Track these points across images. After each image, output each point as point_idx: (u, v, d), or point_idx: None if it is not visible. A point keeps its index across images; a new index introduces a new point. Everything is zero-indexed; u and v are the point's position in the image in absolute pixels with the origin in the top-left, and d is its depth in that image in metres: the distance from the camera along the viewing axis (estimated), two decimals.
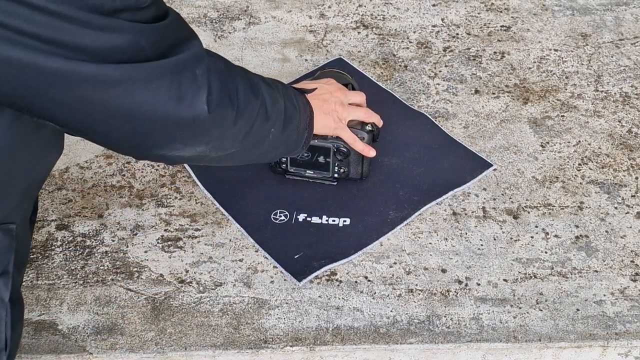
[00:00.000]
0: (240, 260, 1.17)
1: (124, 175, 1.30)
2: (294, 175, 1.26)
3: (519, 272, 1.16)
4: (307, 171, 1.24)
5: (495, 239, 1.21)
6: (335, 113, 1.16)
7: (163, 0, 0.84)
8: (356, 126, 1.20)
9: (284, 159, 1.24)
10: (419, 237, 1.21)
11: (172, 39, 0.82)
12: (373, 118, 1.22)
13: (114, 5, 0.74)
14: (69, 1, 0.71)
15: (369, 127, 1.21)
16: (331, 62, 1.50)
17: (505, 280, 1.15)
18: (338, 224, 1.20)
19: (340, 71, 1.33)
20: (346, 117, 1.18)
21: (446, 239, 1.21)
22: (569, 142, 1.37)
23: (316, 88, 1.15)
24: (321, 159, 1.22)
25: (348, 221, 1.21)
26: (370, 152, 1.20)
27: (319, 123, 1.13)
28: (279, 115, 1.01)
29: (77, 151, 1.32)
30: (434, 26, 1.61)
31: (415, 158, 1.30)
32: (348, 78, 1.31)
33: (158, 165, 1.31)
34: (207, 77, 0.85)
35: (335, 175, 1.24)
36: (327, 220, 1.21)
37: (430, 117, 1.39)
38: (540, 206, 1.26)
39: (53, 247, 1.18)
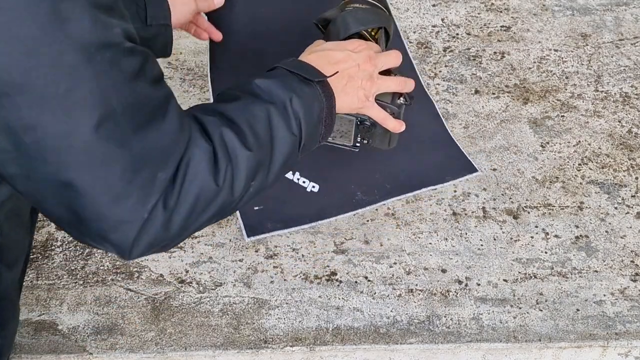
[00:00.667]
0: (240, 260, 1.17)
1: None
2: None
3: (519, 272, 1.16)
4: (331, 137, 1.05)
5: (495, 239, 1.21)
6: (362, 91, 0.96)
7: (159, 67, 0.76)
8: (385, 99, 1.01)
9: None
10: (419, 237, 1.21)
11: (150, 115, 0.72)
12: (407, 87, 1.03)
13: (100, 39, 0.68)
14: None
15: (401, 100, 1.02)
16: None
17: (505, 280, 1.15)
18: (307, 187, 1.22)
19: (373, 1, 1.07)
20: (375, 92, 0.99)
21: (446, 239, 1.21)
22: (569, 142, 1.36)
23: (337, 72, 0.94)
24: (343, 128, 1.03)
25: (316, 188, 1.22)
26: (402, 128, 1.03)
27: (340, 104, 0.94)
28: (259, 173, 0.83)
29: None
30: (434, 26, 1.61)
31: (405, 144, 1.20)
32: (382, 15, 1.07)
33: None
34: (166, 184, 0.73)
35: (357, 144, 1.05)
36: (298, 179, 1.21)
37: (437, 106, 1.39)
38: (540, 206, 1.26)
39: (53, 247, 1.18)
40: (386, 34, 1.07)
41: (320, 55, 0.95)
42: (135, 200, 0.71)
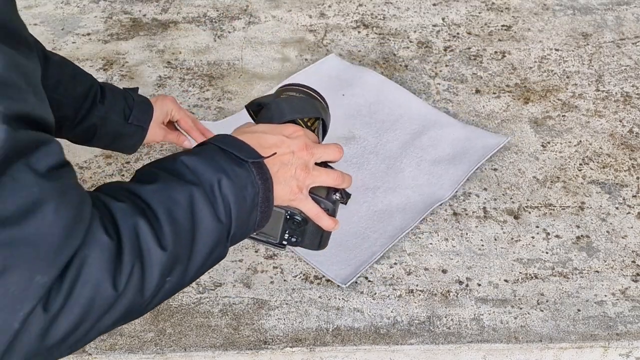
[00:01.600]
0: (240, 261, 1.17)
1: (123, 175, 1.29)
2: None
3: (520, 273, 1.16)
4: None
5: (496, 239, 1.20)
6: (295, 181, 0.85)
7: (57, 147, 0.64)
8: (320, 193, 0.89)
9: None
10: (420, 238, 1.20)
11: (25, 199, 0.60)
12: (344, 183, 0.90)
13: None
14: None
15: (336, 196, 0.90)
16: (325, 60, 1.49)
17: (506, 280, 1.15)
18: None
19: (309, 90, 0.99)
20: (309, 184, 0.87)
21: (447, 239, 1.20)
22: (570, 142, 1.36)
23: (275, 153, 0.82)
24: (269, 222, 0.86)
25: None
26: (336, 226, 0.91)
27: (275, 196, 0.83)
28: (175, 272, 0.71)
29: (77, 151, 1.32)
30: (434, 26, 1.61)
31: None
32: (318, 105, 0.98)
33: None
34: (47, 288, 0.60)
35: (284, 242, 0.92)
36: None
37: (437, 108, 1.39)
38: (541, 206, 1.25)
39: None
40: (323, 127, 0.98)
41: (253, 137, 0.83)
42: (3, 309, 0.59)
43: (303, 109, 0.96)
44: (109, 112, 1.14)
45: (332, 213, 0.90)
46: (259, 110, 0.97)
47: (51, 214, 0.61)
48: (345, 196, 0.92)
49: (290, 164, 0.85)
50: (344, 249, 1.17)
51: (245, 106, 1.00)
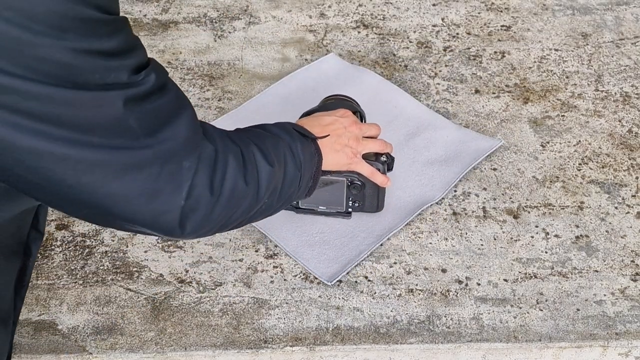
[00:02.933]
0: (240, 260, 1.17)
1: None
2: (306, 211, 1.20)
3: (519, 272, 1.16)
4: (320, 207, 1.19)
5: (495, 239, 1.21)
6: (349, 149, 1.09)
7: (163, 69, 0.79)
8: (370, 157, 1.14)
9: None
10: (419, 237, 1.21)
11: (165, 119, 0.76)
12: (388, 149, 1.16)
13: (104, 80, 0.70)
14: (49, 76, 0.67)
15: (383, 158, 1.15)
16: (324, 60, 1.50)
17: (505, 280, 1.15)
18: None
19: (347, 97, 1.27)
20: (361, 150, 1.12)
21: (446, 238, 1.20)
22: (569, 142, 1.36)
23: (328, 135, 1.05)
24: (334, 193, 1.16)
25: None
26: (388, 183, 1.16)
27: (331, 161, 1.06)
28: (274, 191, 0.92)
29: None
30: (434, 26, 1.61)
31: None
32: (355, 105, 1.25)
33: None
34: (194, 170, 0.78)
35: (350, 209, 1.19)
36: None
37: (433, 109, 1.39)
38: (540, 206, 1.26)
39: (53, 247, 1.18)
40: (361, 118, 1.23)
41: (311, 119, 1.09)
42: (168, 192, 0.77)
43: (346, 106, 1.21)
44: None
45: (382, 172, 1.15)
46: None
47: (181, 119, 0.78)
48: (390, 159, 1.16)
49: (344, 135, 1.09)
50: (331, 247, 1.17)
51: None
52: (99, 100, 0.70)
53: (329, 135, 1.05)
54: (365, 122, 1.23)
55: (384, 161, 1.15)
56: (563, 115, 1.41)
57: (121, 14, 0.74)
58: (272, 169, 0.89)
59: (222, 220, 0.85)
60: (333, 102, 1.24)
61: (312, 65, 1.49)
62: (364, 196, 1.17)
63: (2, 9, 0.63)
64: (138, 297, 1.12)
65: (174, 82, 0.81)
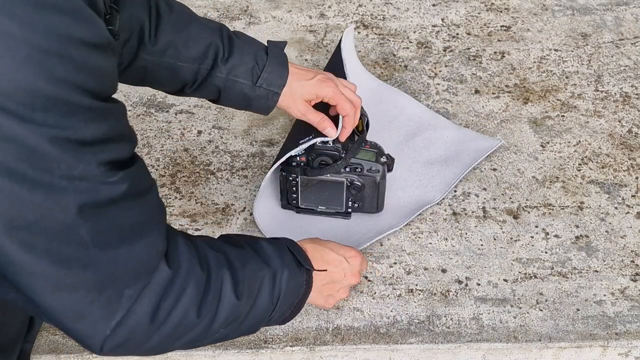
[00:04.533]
0: None
1: None
2: (306, 211, 1.21)
3: (519, 272, 1.16)
4: (320, 206, 1.20)
5: (495, 239, 1.21)
6: (333, 299, 1.05)
7: (147, 176, 0.74)
8: (370, 158, 1.15)
9: (295, 194, 1.18)
10: (419, 237, 1.21)
11: (126, 235, 0.70)
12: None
13: (70, 171, 0.63)
14: (5, 162, 0.61)
15: (383, 159, 1.15)
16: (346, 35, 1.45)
17: (505, 280, 1.15)
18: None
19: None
20: (342, 299, 1.08)
21: (446, 239, 1.20)
22: (569, 142, 1.36)
23: (325, 270, 0.99)
24: (334, 193, 1.17)
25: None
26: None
27: (311, 299, 0.98)
28: (234, 321, 0.84)
29: None
30: (434, 26, 1.61)
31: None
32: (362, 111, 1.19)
33: (158, 165, 1.31)
34: (134, 299, 0.72)
35: (349, 210, 1.20)
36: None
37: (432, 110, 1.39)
38: (540, 206, 1.26)
39: None
40: (367, 123, 1.19)
41: (317, 249, 1.00)
42: (97, 319, 0.71)
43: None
44: (232, 73, 1.05)
45: (381, 174, 1.14)
46: None
47: (144, 238, 0.72)
48: (390, 159, 1.16)
49: (339, 282, 1.02)
50: None
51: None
52: (51, 202, 0.63)
53: (326, 270, 0.98)
54: (368, 128, 1.18)
55: (384, 162, 1.15)
56: (563, 116, 1.42)
57: None
58: (238, 301, 0.82)
59: (157, 349, 0.79)
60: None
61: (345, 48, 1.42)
62: (364, 197, 1.18)
63: None
64: None
65: (157, 191, 0.75)
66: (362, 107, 1.17)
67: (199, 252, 0.79)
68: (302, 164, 1.14)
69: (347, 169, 1.14)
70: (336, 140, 1.13)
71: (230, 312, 0.81)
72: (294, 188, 1.17)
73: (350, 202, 1.18)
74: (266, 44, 1.09)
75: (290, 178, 1.16)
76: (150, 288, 0.73)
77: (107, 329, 0.71)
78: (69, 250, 0.66)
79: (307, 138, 1.12)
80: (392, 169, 1.17)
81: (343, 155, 1.14)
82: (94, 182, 0.65)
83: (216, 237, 1.19)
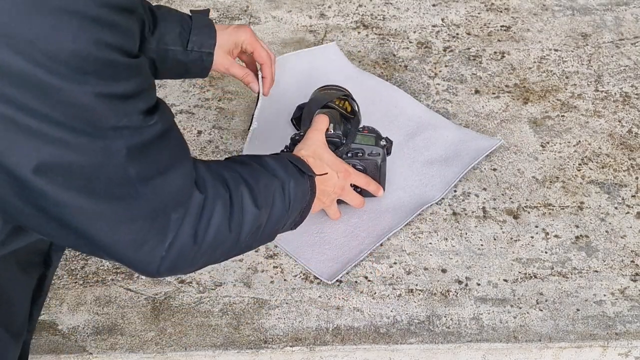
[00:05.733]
0: (240, 260, 1.17)
1: None
2: None
3: (519, 272, 1.16)
4: None
5: (495, 239, 1.21)
6: (330, 197, 1.12)
7: (169, 111, 0.81)
8: (370, 142, 1.18)
9: None
10: (419, 237, 1.21)
11: (162, 168, 0.78)
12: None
13: (117, 123, 0.71)
14: (68, 120, 0.68)
15: (383, 142, 1.19)
16: (325, 49, 1.49)
17: (505, 280, 1.15)
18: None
19: (341, 88, 1.27)
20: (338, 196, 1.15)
21: (446, 239, 1.20)
22: (569, 142, 1.36)
23: (326, 173, 1.07)
24: None
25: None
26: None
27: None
28: (255, 232, 0.92)
29: None
30: (434, 26, 1.61)
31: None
32: (350, 97, 1.25)
33: None
34: (180, 222, 0.80)
35: None
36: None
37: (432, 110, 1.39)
38: (540, 206, 1.26)
39: None
40: (354, 102, 1.24)
41: (315, 163, 1.05)
42: (154, 244, 0.79)
43: (331, 95, 1.23)
44: (162, 42, 1.10)
45: (382, 157, 1.18)
46: (300, 115, 1.26)
47: (179, 168, 0.80)
48: (389, 142, 1.19)
49: (328, 195, 1.10)
50: (331, 247, 1.17)
51: (291, 119, 1.32)
52: (107, 149, 0.71)
53: (327, 173, 1.06)
54: (359, 112, 1.23)
55: (384, 145, 1.18)
56: (563, 116, 1.42)
57: None
58: (259, 212, 0.90)
59: (199, 264, 0.88)
60: (327, 93, 1.25)
61: (309, 52, 1.48)
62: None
63: (31, 51, 0.64)
64: (138, 297, 1.12)
65: (178, 127, 0.83)
66: (348, 90, 1.25)
67: (218, 175, 0.87)
68: None
69: (349, 154, 1.17)
70: (336, 127, 1.15)
71: (253, 222, 0.89)
72: None
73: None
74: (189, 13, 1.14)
75: None
76: (189, 212, 0.81)
77: (163, 251, 0.80)
78: (122, 189, 0.74)
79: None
80: (390, 152, 1.20)
81: (344, 142, 1.16)
82: (137, 128, 0.73)
83: None
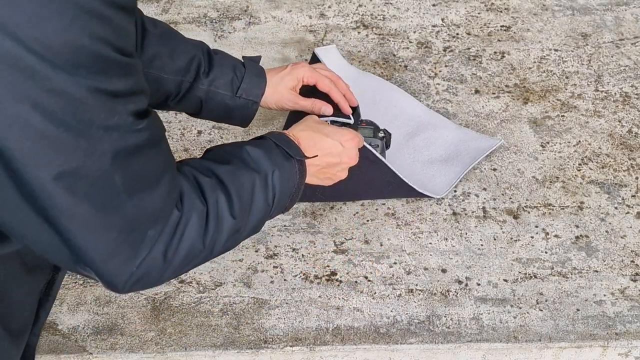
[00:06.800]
0: (240, 260, 1.17)
1: None
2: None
3: (519, 272, 1.16)
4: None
5: (495, 239, 1.21)
6: (330, 180, 1.07)
7: (161, 124, 0.80)
8: (369, 134, 1.20)
9: None
10: (419, 237, 1.21)
11: (148, 182, 0.77)
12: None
13: (107, 121, 0.70)
14: (55, 111, 0.67)
15: (381, 134, 1.22)
16: (326, 51, 1.49)
17: (505, 280, 1.15)
18: None
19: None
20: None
21: (446, 239, 1.21)
22: (569, 142, 1.36)
23: (316, 155, 1.01)
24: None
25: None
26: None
27: (308, 182, 1.02)
28: (235, 234, 0.89)
29: None
30: (434, 26, 1.61)
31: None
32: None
33: None
34: (154, 241, 0.78)
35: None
36: None
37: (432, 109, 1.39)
38: (540, 206, 1.26)
39: None
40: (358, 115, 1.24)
41: (311, 136, 1.01)
42: (125, 257, 0.77)
43: None
44: (214, 85, 1.12)
45: (380, 149, 1.19)
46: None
47: (162, 184, 0.78)
48: (388, 134, 1.22)
49: (334, 166, 1.04)
50: (441, 165, 1.28)
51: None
52: (91, 149, 0.70)
53: (317, 156, 1.00)
54: (358, 107, 1.23)
55: (382, 137, 1.21)
56: (563, 116, 1.42)
57: None
58: (236, 221, 0.87)
59: (165, 279, 0.84)
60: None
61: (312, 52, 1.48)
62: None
63: (25, 37, 0.64)
64: (138, 297, 1.12)
65: (168, 142, 0.82)
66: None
67: (193, 183, 0.84)
68: None
69: None
70: (335, 123, 1.17)
71: (230, 231, 0.87)
72: None
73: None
74: (242, 60, 1.16)
75: None
76: (165, 229, 0.79)
77: (133, 267, 0.77)
78: (105, 195, 0.73)
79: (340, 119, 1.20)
80: (389, 145, 1.22)
81: None
82: (125, 130, 0.72)
83: None
